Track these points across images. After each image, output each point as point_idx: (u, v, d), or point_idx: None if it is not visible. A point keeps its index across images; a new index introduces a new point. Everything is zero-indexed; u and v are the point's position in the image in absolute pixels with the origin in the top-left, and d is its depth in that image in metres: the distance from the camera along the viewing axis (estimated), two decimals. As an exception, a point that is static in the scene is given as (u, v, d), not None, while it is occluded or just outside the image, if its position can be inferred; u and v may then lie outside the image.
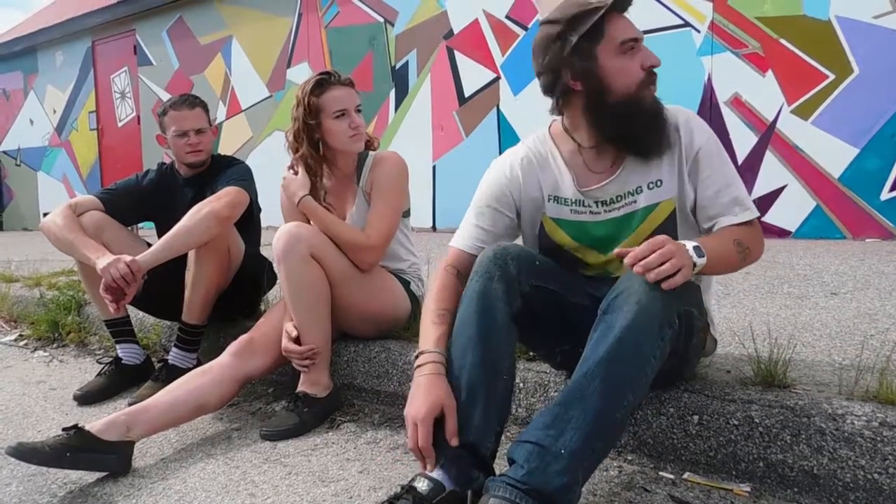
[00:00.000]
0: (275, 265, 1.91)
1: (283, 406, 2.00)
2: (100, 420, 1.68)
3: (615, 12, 1.38)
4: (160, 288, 2.25)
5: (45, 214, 2.37)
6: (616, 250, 1.24)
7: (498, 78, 5.73)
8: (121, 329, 2.39)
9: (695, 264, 1.22)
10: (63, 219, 2.17)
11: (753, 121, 4.48)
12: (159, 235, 2.16)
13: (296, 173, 2.06)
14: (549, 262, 1.49)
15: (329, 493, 1.47)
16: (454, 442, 1.25)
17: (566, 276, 1.48)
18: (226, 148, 7.59)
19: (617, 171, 1.46)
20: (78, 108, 9.82)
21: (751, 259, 1.38)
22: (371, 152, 2.11)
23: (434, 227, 6.13)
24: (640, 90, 1.39)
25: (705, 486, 1.38)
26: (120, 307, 2.02)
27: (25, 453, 1.53)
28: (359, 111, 2.01)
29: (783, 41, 4.33)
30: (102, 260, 1.97)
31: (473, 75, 5.88)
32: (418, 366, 1.34)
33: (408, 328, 2.04)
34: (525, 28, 5.53)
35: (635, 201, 1.45)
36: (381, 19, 6.47)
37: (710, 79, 4.61)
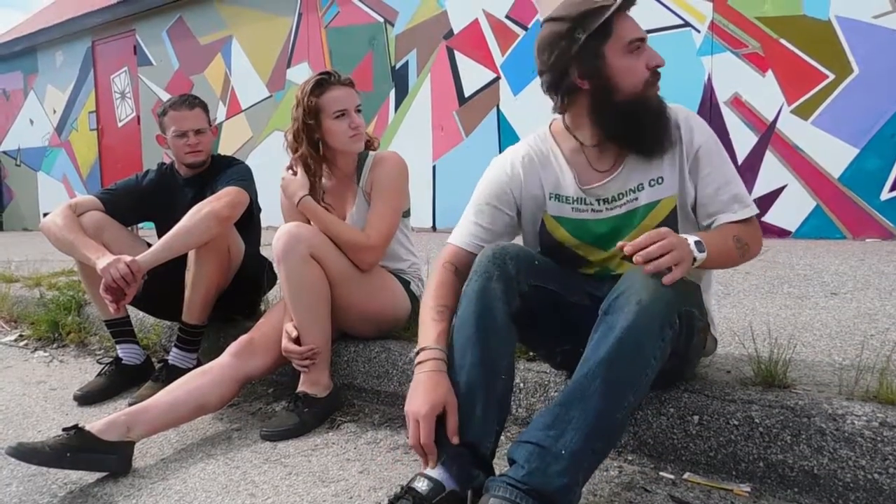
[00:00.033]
0: (275, 265, 1.91)
1: (283, 406, 2.00)
2: (100, 420, 1.68)
3: (621, 11, 1.38)
4: (160, 288, 2.25)
5: (45, 214, 2.37)
6: (619, 243, 1.25)
7: (498, 78, 5.73)
8: (121, 329, 2.39)
9: (695, 259, 1.23)
10: (63, 219, 2.17)
11: (753, 121, 4.48)
12: (159, 235, 2.15)
13: (294, 174, 2.06)
14: (549, 261, 1.49)
15: (329, 494, 1.47)
16: (455, 440, 1.25)
17: (565, 275, 1.48)
18: (226, 148, 7.59)
19: (618, 169, 1.46)
20: (78, 108, 9.82)
21: (749, 256, 1.40)
22: (371, 152, 2.11)
23: (434, 227, 6.13)
24: (646, 90, 1.40)
25: (705, 486, 1.38)
26: (120, 307, 2.02)
27: (26, 453, 1.53)
28: (359, 111, 2.01)
29: (783, 41, 4.33)
30: (102, 260, 1.97)
31: (473, 75, 5.88)
32: (419, 362, 1.34)
33: (408, 328, 2.04)
34: (525, 28, 5.52)
35: (637, 198, 1.45)
36: (381, 19, 6.47)
37: (709, 79, 4.61)
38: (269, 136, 7.37)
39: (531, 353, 1.77)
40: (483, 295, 1.32)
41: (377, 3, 6.48)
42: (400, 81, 6.39)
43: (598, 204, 1.48)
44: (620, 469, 1.49)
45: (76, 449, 1.58)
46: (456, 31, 5.99)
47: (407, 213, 2.12)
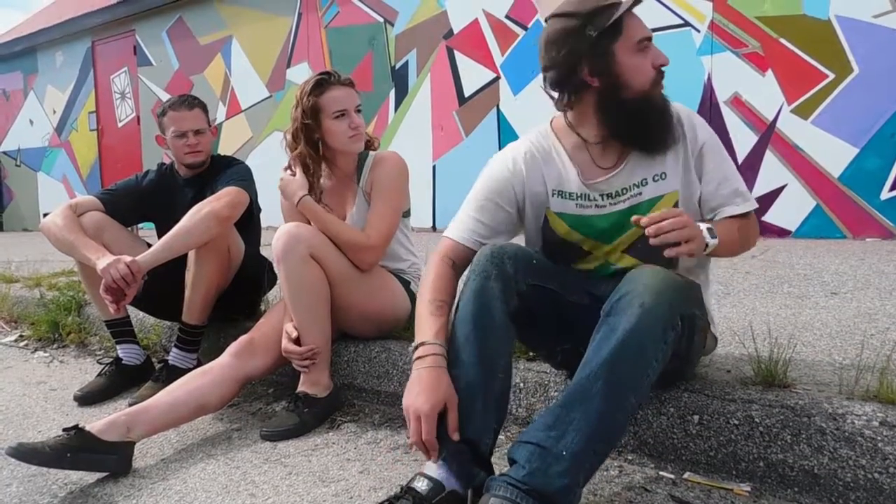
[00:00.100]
0: (275, 265, 1.91)
1: (283, 406, 2.00)
2: (100, 420, 1.68)
3: (629, 10, 1.39)
4: (160, 288, 2.25)
5: (45, 215, 2.37)
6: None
7: (498, 78, 5.72)
8: (121, 329, 2.39)
9: (707, 244, 1.26)
10: (63, 219, 2.17)
11: (753, 120, 4.48)
12: (159, 236, 2.16)
13: (293, 174, 2.06)
14: (547, 261, 1.49)
15: (329, 494, 1.47)
16: (455, 436, 1.25)
17: (564, 274, 1.48)
18: (226, 148, 7.59)
19: (622, 165, 1.47)
20: (78, 108, 9.81)
21: (747, 247, 1.47)
22: (371, 152, 2.11)
23: (434, 227, 6.13)
24: (652, 88, 1.41)
25: (706, 485, 1.38)
26: (120, 308, 2.03)
27: (26, 454, 1.53)
28: (359, 111, 2.01)
29: (783, 41, 4.33)
30: (102, 260, 1.97)
31: (473, 75, 5.88)
32: (418, 357, 1.32)
33: (408, 328, 2.04)
34: (525, 28, 5.52)
35: (640, 193, 1.46)
36: (381, 19, 6.47)
37: (709, 78, 4.61)
38: (269, 136, 7.37)
39: (531, 353, 1.77)
40: (481, 294, 1.32)
41: (377, 3, 6.48)
42: (400, 81, 6.39)
43: (602, 199, 1.47)
44: (621, 469, 1.49)
45: (76, 449, 1.58)
46: (456, 31, 5.99)
47: (407, 213, 2.12)
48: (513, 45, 5.61)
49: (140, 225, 2.90)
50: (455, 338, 1.32)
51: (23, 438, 1.88)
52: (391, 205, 2.00)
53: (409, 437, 1.27)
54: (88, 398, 2.23)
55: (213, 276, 2.16)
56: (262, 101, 7.51)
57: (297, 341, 1.89)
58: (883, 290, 2.55)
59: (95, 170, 9.61)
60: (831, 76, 4.19)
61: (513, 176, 1.52)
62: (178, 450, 1.79)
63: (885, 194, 4.09)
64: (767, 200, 4.43)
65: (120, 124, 9.28)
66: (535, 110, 5.24)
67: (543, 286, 1.40)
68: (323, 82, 1.97)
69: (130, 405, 1.93)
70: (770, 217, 4.42)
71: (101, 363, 2.44)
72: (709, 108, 4.59)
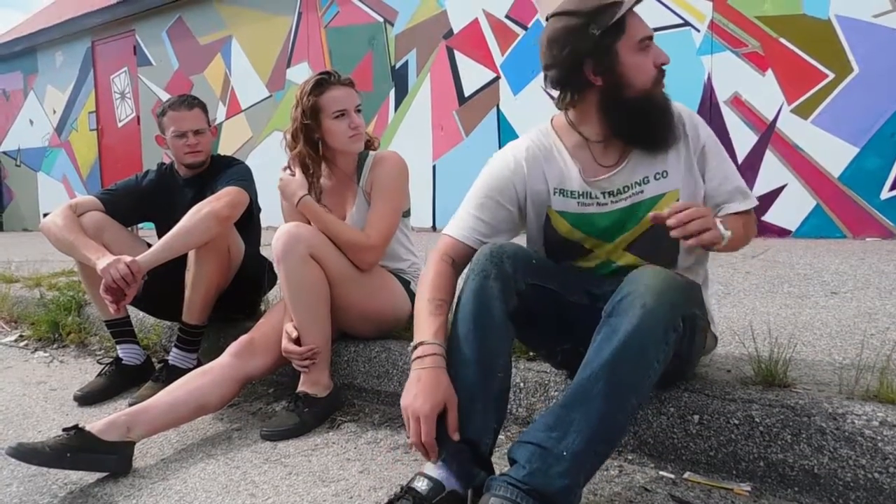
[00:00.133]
0: (274, 265, 1.91)
1: (283, 406, 2.00)
2: (100, 420, 1.68)
3: (631, 8, 1.39)
4: (160, 288, 2.25)
5: (45, 215, 2.37)
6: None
7: (498, 77, 5.72)
8: (121, 329, 2.39)
9: (723, 237, 1.28)
10: (63, 219, 2.17)
11: (753, 120, 4.48)
12: (159, 236, 2.16)
13: (292, 174, 2.06)
14: (547, 260, 1.49)
15: (329, 493, 1.47)
16: (456, 436, 1.25)
17: (564, 274, 1.48)
18: (225, 148, 7.59)
19: (623, 163, 1.47)
20: (78, 108, 9.81)
21: (746, 243, 1.51)
22: (371, 152, 2.11)
23: (434, 227, 6.13)
24: (654, 87, 1.42)
25: (706, 485, 1.38)
26: (120, 308, 2.03)
27: (26, 454, 1.53)
28: (359, 111, 2.01)
29: (783, 40, 4.33)
30: (102, 260, 1.97)
31: (473, 75, 5.88)
32: (417, 357, 1.31)
33: (408, 328, 2.03)
34: (525, 27, 5.52)
35: (642, 191, 1.46)
36: (381, 19, 6.47)
37: (709, 78, 4.61)
38: (269, 136, 7.37)
39: (531, 353, 1.76)
40: (480, 294, 1.31)
41: (377, 3, 6.48)
42: (400, 81, 6.38)
43: (604, 197, 1.47)
44: (621, 468, 1.49)
45: (76, 449, 1.58)
46: (456, 31, 5.98)
47: (407, 213, 2.12)
48: (513, 45, 5.61)
49: (140, 225, 2.90)
50: (454, 337, 1.32)
51: (23, 438, 1.88)
52: (391, 204, 2.00)
53: (408, 438, 1.27)
54: (88, 398, 2.23)
55: (213, 276, 2.16)
56: (262, 100, 7.51)
57: (297, 341, 1.89)
58: (883, 289, 2.55)
59: (95, 170, 9.61)
60: (831, 76, 4.19)
61: (514, 174, 1.51)
62: (178, 450, 1.79)
63: (885, 194, 4.09)
64: (767, 200, 4.43)
65: (120, 124, 9.28)
66: (535, 110, 5.24)
67: (543, 286, 1.40)
68: (323, 82, 1.97)
69: (130, 405, 1.93)
70: (770, 217, 4.42)
71: (101, 363, 2.44)
72: (709, 108, 4.59)
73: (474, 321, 1.30)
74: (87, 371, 2.58)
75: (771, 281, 2.82)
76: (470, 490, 1.22)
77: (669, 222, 1.22)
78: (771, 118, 4.41)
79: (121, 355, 2.37)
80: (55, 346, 2.99)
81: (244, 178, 2.25)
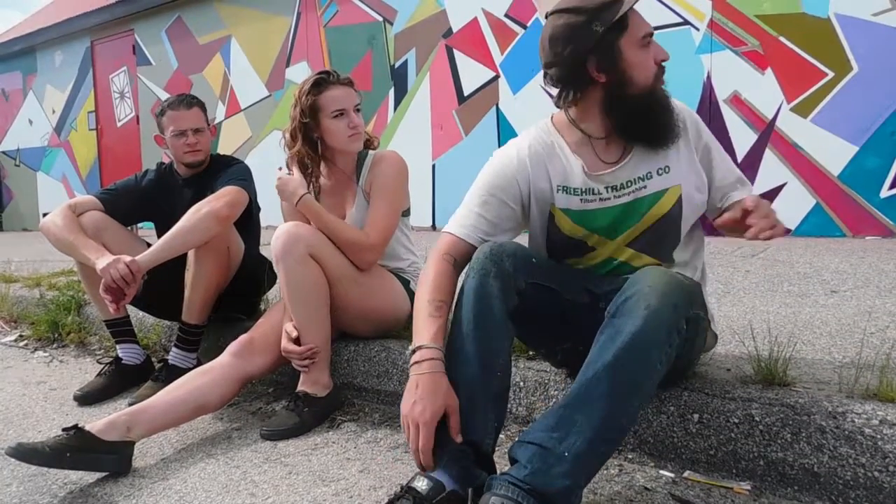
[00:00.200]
0: (274, 265, 1.91)
1: (283, 406, 2.00)
2: (100, 420, 1.68)
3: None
4: (160, 288, 2.24)
5: (44, 215, 2.37)
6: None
7: (497, 77, 5.72)
8: (121, 329, 2.39)
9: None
10: (63, 219, 2.17)
11: (753, 119, 4.48)
12: (159, 235, 2.15)
13: (290, 173, 2.06)
14: (547, 259, 1.49)
15: (329, 493, 1.47)
16: (459, 439, 1.24)
17: (564, 273, 1.47)
18: (225, 147, 7.59)
19: (626, 159, 1.47)
20: (77, 108, 9.81)
21: None
22: (371, 151, 2.11)
23: (434, 226, 6.13)
24: (655, 83, 1.42)
25: (706, 484, 1.38)
26: (120, 307, 2.02)
27: (26, 454, 1.53)
28: (358, 111, 2.01)
29: (782, 39, 4.33)
30: (102, 260, 1.97)
31: (473, 74, 5.87)
32: (415, 362, 1.30)
33: (407, 327, 2.03)
34: (524, 26, 5.52)
35: (645, 186, 1.46)
36: (380, 18, 6.47)
37: (709, 77, 4.61)
38: (269, 135, 7.36)
39: (531, 352, 1.76)
40: (480, 292, 1.31)
41: (376, 2, 6.48)
42: (399, 80, 6.38)
43: (607, 192, 1.46)
44: (621, 467, 1.49)
45: (76, 449, 1.57)
46: (455, 30, 5.98)
47: (407, 212, 2.12)
48: (512, 44, 5.61)
49: (140, 225, 2.90)
50: (454, 336, 1.32)
51: (23, 438, 1.88)
52: (390, 204, 2.00)
53: (408, 444, 1.27)
54: (88, 398, 2.23)
55: (213, 275, 2.16)
56: (262, 100, 7.51)
57: (297, 341, 1.89)
58: (882, 288, 2.55)
59: (95, 169, 9.60)
60: (831, 74, 4.19)
61: (518, 172, 1.49)
62: (178, 449, 1.79)
63: (885, 192, 4.09)
64: (767, 199, 4.39)
65: (119, 124, 9.27)
66: (534, 109, 5.24)
67: (543, 284, 1.39)
68: (322, 81, 1.97)
69: (130, 405, 1.93)
70: (770, 215, 4.42)
71: (100, 363, 2.45)
72: (708, 107, 4.59)
73: (474, 320, 1.29)
74: (86, 371, 2.58)
75: (771, 280, 2.82)
76: (470, 490, 1.22)
77: (763, 235, 1.28)
78: (770, 117, 4.41)
79: (120, 355, 2.37)
80: (55, 345, 2.99)
81: (243, 178, 2.25)
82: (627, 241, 1.47)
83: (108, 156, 9.44)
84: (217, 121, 7.77)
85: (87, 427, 1.63)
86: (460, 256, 1.45)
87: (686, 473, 1.42)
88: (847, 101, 4.14)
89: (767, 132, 4.43)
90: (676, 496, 1.35)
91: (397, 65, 6.38)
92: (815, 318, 2.13)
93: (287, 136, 2.03)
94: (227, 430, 1.91)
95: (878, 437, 1.24)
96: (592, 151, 1.48)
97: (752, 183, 4.42)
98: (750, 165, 4.46)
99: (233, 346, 1.94)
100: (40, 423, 2.05)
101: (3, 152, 11.18)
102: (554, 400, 1.64)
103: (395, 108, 6.43)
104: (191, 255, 2.14)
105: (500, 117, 5.74)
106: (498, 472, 1.25)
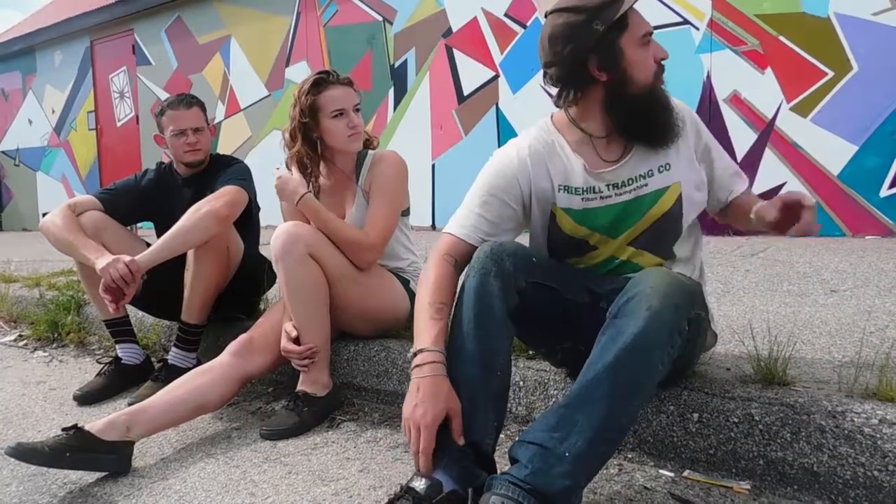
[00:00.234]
0: (273, 265, 1.91)
1: (282, 405, 2.00)
2: (100, 420, 1.68)
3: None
4: (160, 288, 2.24)
5: (44, 214, 2.37)
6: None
7: (497, 76, 5.72)
8: (120, 329, 2.39)
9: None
10: (62, 219, 2.17)
11: (752, 118, 4.48)
12: (158, 235, 2.15)
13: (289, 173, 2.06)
14: (547, 259, 1.49)
15: (329, 493, 1.47)
16: (461, 441, 1.24)
17: (564, 272, 1.47)
18: (225, 147, 7.58)
19: (626, 158, 1.47)
20: (77, 107, 9.80)
21: None
22: (370, 151, 2.11)
23: (433, 226, 6.13)
24: (655, 82, 1.42)
25: (705, 483, 1.38)
26: (119, 307, 2.02)
27: (25, 453, 1.53)
28: (357, 110, 2.01)
29: (782, 38, 4.33)
30: (102, 260, 1.97)
31: (472, 74, 5.87)
32: (416, 366, 1.30)
33: (407, 327, 2.03)
34: (524, 26, 5.52)
35: (647, 184, 1.46)
36: (380, 18, 6.46)
37: (709, 76, 4.61)
38: (268, 135, 7.36)
39: (530, 352, 1.76)
40: (480, 292, 1.31)
41: (376, 2, 6.48)
42: (399, 80, 6.38)
43: (608, 189, 1.46)
44: (620, 467, 1.49)
45: (76, 449, 1.57)
46: (455, 30, 5.98)
47: (406, 212, 2.12)
48: (512, 44, 5.61)
49: (139, 224, 2.90)
50: (454, 336, 1.31)
51: (22, 438, 1.88)
52: (390, 203, 2.00)
53: (408, 447, 1.27)
54: (88, 398, 2.23)
55: (213, 275, 2.16)
56: (261, 100, 7.51)
57: (297, 340, 1.89)
58: (882, 287, 2.55)
59: (94, 169, 9.60)
60: (830, 74, 4.19)
61: (519, 172, 1.49)
62: (177, 449, 1.79)
63: (885, 192, 4.09)
64: (766, 198, 4.41)
65: (119, 124, 9.27)
66: (534, 109, 5.23)
67: (543, 284, 1.39)
68: (321, 81, 1.97)
69: (130, 405, 1.93)
70: (769, 215, 4.42)
71: (100, 363, 2.44)
72: (708, 106, 4.59)
73: (474, 319, 1.29)
74: (86, 371, 2.58)
75: (770, 279, 2.82)
76: (471, 489, 1.22)
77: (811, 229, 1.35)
78: (770, 116, 4.41)
79: (120, 355, 2.37)
80: (54, 345, 2.99)
81: (243, 178, 2.25)
82: (629, 239, 1.47)
83: (107, 156, 9.43)
84: (217, 121, 7.77)
85: (87, 427, 1.63)
86: (461, 257, 1.45)
87: (686, 473, 1.43)
88: (847, 100, 4.14)
89: (767, 132, 4.43)
90: (676, 495, 1.35)
91: (397, 64, 6.38)
92: (814, 318, 2.13)
93: (286, 135, 2.03)
94: (227, 430, 1.91)
95: (878, 436, 1.24)
96: (593, 150, 1.48)
97: (752, 182, 4.41)
98: (750, 165, 4.46)
99: (232, 346, 1.94)
100: (40, 423, 2.05)
101: (3, 152, 11.17)
102: (554, 399, 1.64)
103: (395, 108, 6.43)
104: (190, 254, 2.13)
105: (499, 117, 5.73)
106: (498, 471, 1.25)
